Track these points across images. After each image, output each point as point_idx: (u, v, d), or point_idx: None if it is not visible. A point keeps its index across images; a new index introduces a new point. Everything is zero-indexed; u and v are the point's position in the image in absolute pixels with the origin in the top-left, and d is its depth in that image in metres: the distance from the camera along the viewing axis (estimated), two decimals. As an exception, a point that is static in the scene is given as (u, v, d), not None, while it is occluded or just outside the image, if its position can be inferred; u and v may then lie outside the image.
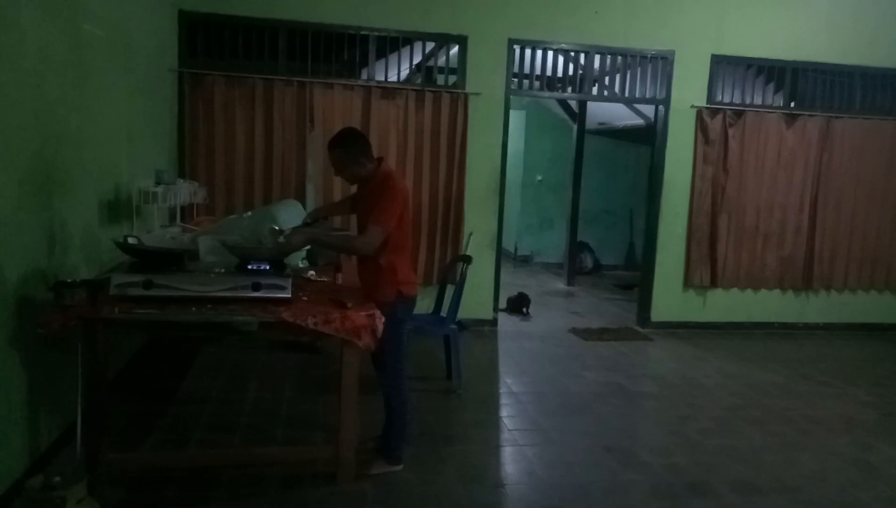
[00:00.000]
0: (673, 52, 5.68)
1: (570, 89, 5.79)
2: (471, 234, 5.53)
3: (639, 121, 8.54)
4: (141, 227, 3.92)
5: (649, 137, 9.41)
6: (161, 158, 4.57)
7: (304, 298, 2.81)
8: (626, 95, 5.78)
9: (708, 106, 5.76)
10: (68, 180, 2.95)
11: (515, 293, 6.65)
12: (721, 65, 5.79)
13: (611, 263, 10.25)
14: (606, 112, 8.74)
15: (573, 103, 8.36)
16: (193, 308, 2.53)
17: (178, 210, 4.04)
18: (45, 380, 2.77)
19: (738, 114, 5.80)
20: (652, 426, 3.82)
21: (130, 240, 2.64)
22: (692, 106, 5.75)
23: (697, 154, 5.81)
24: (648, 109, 7.61)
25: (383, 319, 2.70)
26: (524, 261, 10.06)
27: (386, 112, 5.26)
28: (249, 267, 2.79)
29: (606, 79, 5.79)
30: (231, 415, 3.52)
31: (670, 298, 6.02)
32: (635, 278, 9.38)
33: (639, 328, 6.05)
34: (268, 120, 5.10)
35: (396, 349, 2.90)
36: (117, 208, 3.63)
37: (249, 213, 3.66)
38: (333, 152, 2.84)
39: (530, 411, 3.87)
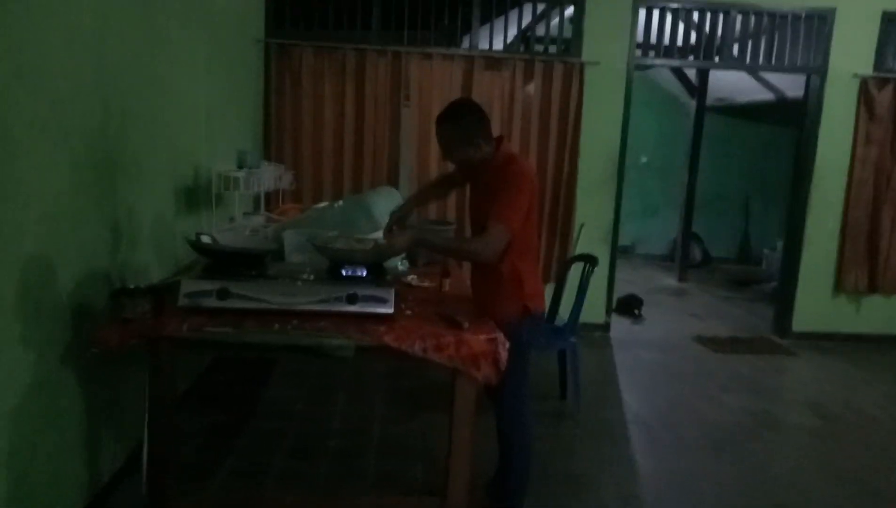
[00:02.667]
0: (834, 10, 4.74)
1: (699, 57, 4.95)
2: (582, 225, 4.85)
3: (767, 95, 7.53)
4: (222, 215, 3.49)
5: (777, 114, 8.43)
6: (244, 138, 4.14)
7: (408, 312, 2.26)
8: (774, 62, 4.89)
9: (876, 75, 4.79)
10: (136, 163, 2.51)
11: (624, 293, 5.93)
12: (894, 24, 4.80)
13: (721, 255, 9.27)
14: (727, 86, 7.76)
15: (691, 75, 7.44)
16: (276, 325, 2.02)
17: (262, 197, 3.59)
18: (106, 401, 2.36)
19: (913, 85, 4.81)
20: (826, 475, 3.04)
21: (204, 238, 2.16)
22: (855, 75, 4.80)
23: (859, 134, 4.87)
24: (789, 82, 6.66)
25: (507, 344, 2.11)
26: (624, 252, 9.21)
27: (490, 85, 4.64)
28: (343, 273, 2.27)
29: (746, 44, 4.92)
30: (316, 436, 3.05)
31: (817, 304, 5.13)
32: (751, 273, 8.42)
33: (777, 339, 5.20)
34: (359, 95, 4.59)
35: (520, 379, 2.31)
36: (195, 195, 3.21)
37: (341, 202, 3.15)
38: (442, 128, 2.25)
39: (666, 446, 3.20)
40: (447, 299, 2.50)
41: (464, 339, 2.06)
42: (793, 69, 4.96)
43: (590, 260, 3.52)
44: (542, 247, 4.83)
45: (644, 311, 5.89)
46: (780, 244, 8.84)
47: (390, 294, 2.15)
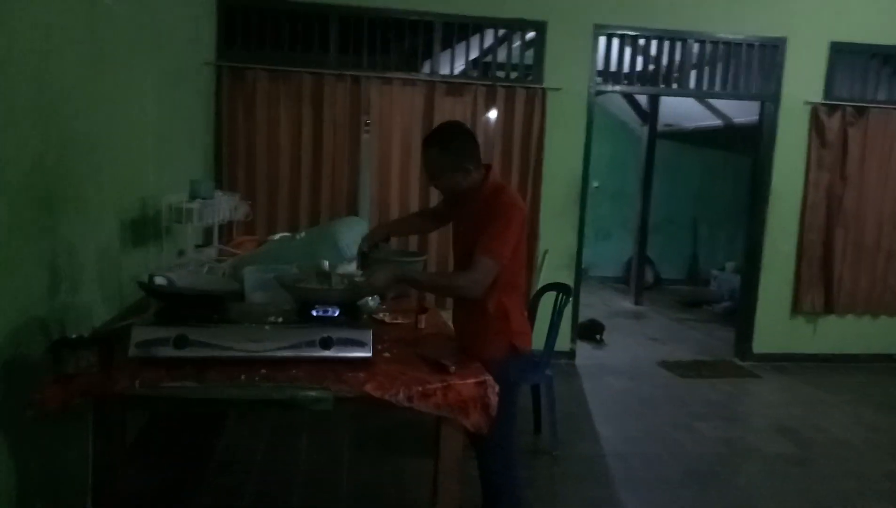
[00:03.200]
0: (785, 39, 4.86)
1: (657, 84, 4.98)
2: (546, 252, 4.77)
3: (715, 121, 7.72)
4: (171, 249, 3.23)
5: (724, 139, 8.65)
6: (195, 166, 3.90)
7: (386, 354, 2.08)
8: (729, 89, 4.96)
9: (825, 102, 4.92)
10: (79, 196, 2.27)
11: (585, 318, 5.87)
12: (841, 54, 4.95)
13: (671, 276, 9.43)
14: (676, 112, 7.93)
15: (642, 101, 7.56)
16: (243, 376, 1.81)
17: (216, 229, 3.36)
18: (43, 468, 2.07)
19: (860, 112, 4.96)
20: (810, 506, 2.99)
21: (158, 279, 1.93)
22: (806, 102, 4.92)
23: (812, 159, 4.98)
24: (736, 108, 6.82)
25: (496, 387, 1.95)
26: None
27: (451, 110, 4.53)
28: (314, 313, 2.07)
29: (702, 72, 4.98)
30: (279, 490, 2.81)
31: (775, 325, 5.18)
32: (701, 294, 8.56)
33: (738, 361, 5.22)
34: (317, 121, 4.41)
35: (508, 423, 2.16)
36: (142, 228, 2.95)
37: (303, 233, 2.95)
38: (429, 152, 2.12)
39: (649, 484, 3.08)
40: (426, 338, 2.34)
41: (451, 384, 1.90)
42: (747, 96, 5.06)
43: (563, 289, 3.41)
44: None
45: (605, 335, 5.85)
46: (728, 265, 9.08)
47: (368, 336, 1.97)
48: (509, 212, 2.04)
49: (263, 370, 1.85)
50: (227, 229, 3.97)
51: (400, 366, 1.98)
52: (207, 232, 3.63)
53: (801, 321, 5.21)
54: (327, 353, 1.93)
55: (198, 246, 3.33)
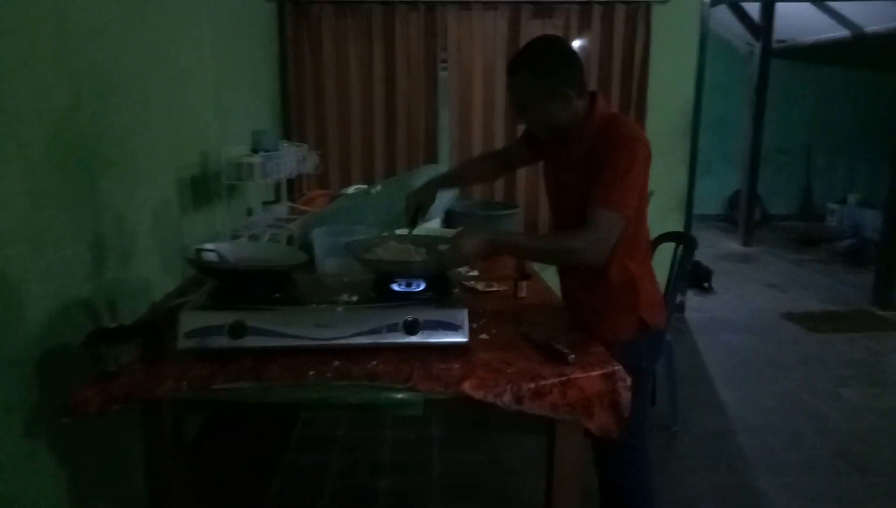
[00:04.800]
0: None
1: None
2: (652, 193, 4.18)
3: (840, 33, 6.69)
4: (238, 207, 2.95)
5: (849, 54, 7.54)
6: (261, 114, 3.58)
7: (483, 336, 1.69)
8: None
9: None
10: (124, 154, 1.96)
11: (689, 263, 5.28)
12: None
13: (780, 212, 8.56)
14: (790, 25, 6.93)
15: (753, 15, 6.63)
16: (311, 373, 1.47)
17: (284, 184, 3.03)
18: (91, 477, 1.84)
19: None
20: None
21: (207, 255, 1.60)
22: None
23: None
24: (871, 13, 5.84)
25: (628, 380, 1.53)
26: (677, 214, 8.54)
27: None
28: (395, 288, 1.70)
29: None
30: (365, 470, 2.53)
31: (926, 270, 4.44)
32: (817, 230, 7.68)
33: (878, 311, 4.53)
34: (389, 58, 3.97)
35: (640, 421, 1.74)
36: (205, 186, 2.66)
37: (378, 187, 2.57)
38: (516, 78, 1.63)
39: (794, 467, 2.60)
40: (529, 312, 1.93)
41: (571, 378, 1.48)
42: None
43: (683, 239, 2.90)
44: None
45: (714, 282, 5.26)
46: (851, 198, 8.11)
47: (462, 317, 1.58)
48: (631, 149, 1.55)
49: (336, 363, 1.50)
50: (297, 183, 3.65)
51: (502, 353, 1.58)
52: (277, 188, 3.33)
53: (959, 263, 4.44)
54: (413, 339, 1.56)
55: (266, 203, 3.03)
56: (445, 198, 2.51)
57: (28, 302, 1.49)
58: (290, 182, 3.52)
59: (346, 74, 3.98)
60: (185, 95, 2.48)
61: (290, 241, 2.18)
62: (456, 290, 1.72)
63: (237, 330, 1.51)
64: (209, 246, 1.67)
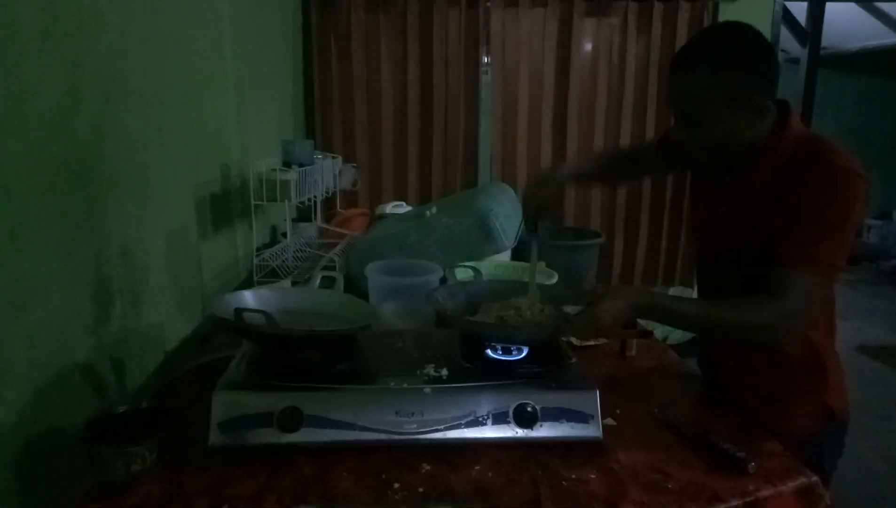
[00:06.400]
0: None
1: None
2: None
3: (890, 40, 6.31)
4: (263, 227, 2.54)
5: (891, 63, 7.16)
6: (285, 121, 3.17)
7: (608, 420, 1.26)
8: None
9: None
10: (133, 170, 1.55)
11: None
12: None
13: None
14: (836, 31, 6.53)
15: (802, 18, 6.23)
16: (396, 484, 1.05)
17: (318, 203, 2.62)
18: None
19: None
20: None
21: (249, 316, 1.17)
22: None
23: None
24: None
25: (828, 496, 1.11)
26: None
27: (594, 38, 3.58)
28: (491, 354, 1.29)
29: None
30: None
31: None
32: (857, 247, 7.28)
33: (957, 344, 4.12)
34: (425, 59, 3.57)
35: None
36: (227, 205, 2.25)
37: (434, 209, 2.15)
38: (690, 77, 1.18)
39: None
40: (648, 380, 1.51)
41: (759, 498, 1.07)
42: None
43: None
44: (667, 240, 3.80)
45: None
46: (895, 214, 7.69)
47: (594, 402, 1.17)
48: (848, 188, 1.13)
49: (426, 468, 1.09)
50: (327, 199, 3.23)
51: (647, 454, 1.16)
52: (306, 206, 2.91)
53: None
54: (526, 433, 1.14)
55: (295, 221, 2.62)
56: (516, 221, 2.10)
57: (6, 380, 1.08)
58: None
59: (377, 77, 3.57)
60: (204, 97, 2.07)
61: (346, 285, 1.76)
62: (574, 360, 1.30)
63: (291, 420, 1.10)
64: (250, 300, 1.25)
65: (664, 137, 1.51)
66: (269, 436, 1.09)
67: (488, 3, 3.51)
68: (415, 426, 1.12)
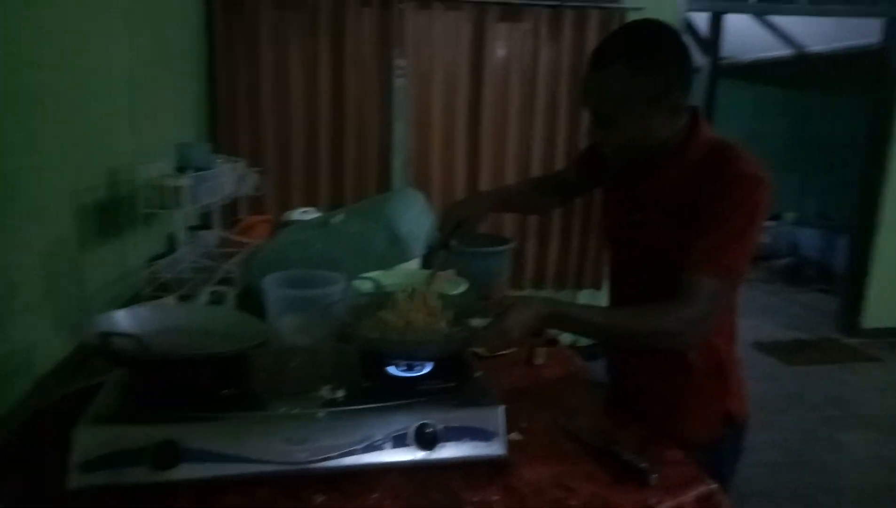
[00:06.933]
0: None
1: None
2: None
3: (782, 52, 6.70)
4: (156, 235, 2.38)
5: (786, 74, 7.60)
6: (185, 123, 3.00)
7: (514, 434, 1.22)
8: (847, 3, 3.98)
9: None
10: (3, 175, 1.39)
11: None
12: None
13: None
14: (732, 42, 6.88)
15: (703, 27, 6.52)
16: (283, 521, 0.97)
17: (218, 209, 2.47)
18: None
19: None
20: None
21: (118, 340, 1.05)
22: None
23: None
24: (814, 34, 5.82)
25: (727, 503, 1.11)
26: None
27: (507, 43, 3.59)
28: (392, 371, 1.22)
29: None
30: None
31: (891, 295, 4.33)
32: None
33: (844, 339, 4.39)
34: (337, 61, 3.47)
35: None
36: (114, 212, 2.08)
37: (341, 216, 2.06)
38: (606, 73, 1.15)
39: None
40: (555, 389, 1.49)
41: (659, 510, 1.05)
42: (872, 13, 4.07)
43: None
44: (571, 242, 3.86)
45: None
46: (788, 216, 8.18)
47: (497, 418, 1.13)
48: (754, 194, 1.13)
49: (320, 499, 1.01)
50: (229, 206, 3.08)
51: (552, 468, 1.13)
52: (204, 211, 2.75)
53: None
54: (428, 455, 1.09)
55: (192, 229, 2.46)
56: (425, 227, 2.04)
57: None
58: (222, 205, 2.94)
59: (286, 78, 3.44)
60: (90, 96, 1.90)
61: (244, 297, 1.65)
62: (479, 373, 1.25)
63: (167, 455, 0.99)
64: (123, 320, 1.13)
65: (581, 157, 1.50)
66: (141, 475, 0.98)
67: (402, 5, 3.45)
68: (306, 454, 1.04)
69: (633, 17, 3.61)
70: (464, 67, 3.56)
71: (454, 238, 1.47)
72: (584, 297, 3.98)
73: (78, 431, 0.98)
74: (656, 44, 1.15)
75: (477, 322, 1.16)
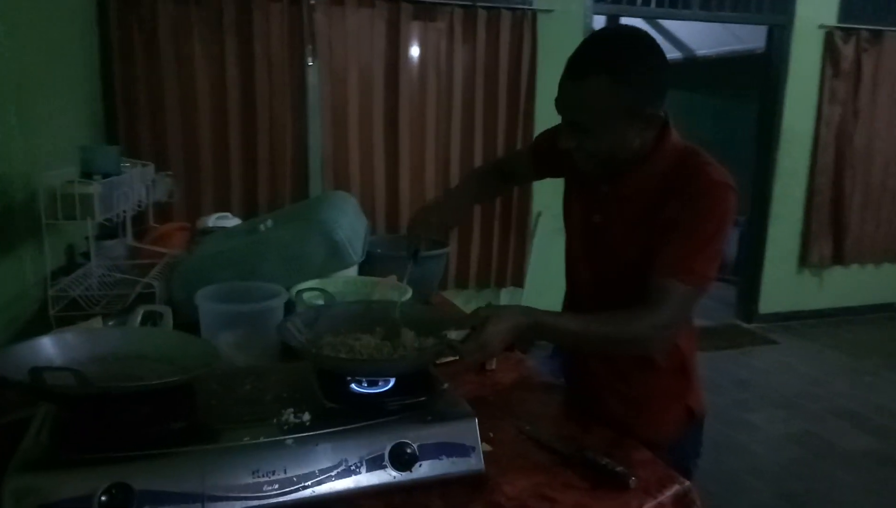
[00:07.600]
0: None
1: (663, 5, 4.18)
2: (539, 214, 3.97)
3: (673, 55, 7.08)
4: (57, 246, 2.15)
5: (680, 76, 8.03)
6: (79, 127, 2.74)
7: (485, 447, 1.19)
8: (734, 10, 4.24)
9: (841, 26, 4.31)
10: None
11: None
12: (858, -31, 4.34)
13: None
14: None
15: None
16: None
17: (128, 219, 2.26)
18: None
19: (876, 36, 4.38)
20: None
21: (52, 377, 0.92)
22: (820, 26, 4.29)
23: (824, 92, 4.39)
24: (702, 39, 6.19)
25: (699, 502, 1.13)
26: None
27: (422, 41, 3.55)
28: (355, 388, 1.15)
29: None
30: None
31: (782, 282, 4.68)
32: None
33: (744, 324, 4.70)
34: (245, 58, 3.31)
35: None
36: (8, 224, 1.86)
37: (269, 222, 1.94)
38: (586, 84, 1.11)
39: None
40: (513, 395, 1.47)
41: (641, 514, 1.05)
42: (756, 20, 4.36)
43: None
44: (493, 242, 3.89)
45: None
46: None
47: (472, 432, 1.09)
48: (722, 202, 1.14)
49: (291, 534, 0.93)
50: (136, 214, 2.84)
51: (529, 478, 1.10)
52: (114, 221, 2.52)
53: (807, 274, 4.74)
54: (404, 476, 1.03)
55: (100, 239, 2.25)
56: (361, 233, 1.98)
57: None
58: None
59: (190, 76, 3.23)
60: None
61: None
62: (446, 386, 1.21)
63: (119, 501, 0.88)
64: (50, 350, 0.99)
65: (536, 147, 1.48)
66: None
67: (312, 1, 3.33)
68: (277, 486, 0.95)
69: (543, 19, 3.69)
70: (379, 66, 3.49)
71: (419, 250, 1.42)
72: (506, 296, 4.02)
73: (9, 480, 0.85)
74: (638, 55, 1.13)
75: (454, 335, 1.11)
